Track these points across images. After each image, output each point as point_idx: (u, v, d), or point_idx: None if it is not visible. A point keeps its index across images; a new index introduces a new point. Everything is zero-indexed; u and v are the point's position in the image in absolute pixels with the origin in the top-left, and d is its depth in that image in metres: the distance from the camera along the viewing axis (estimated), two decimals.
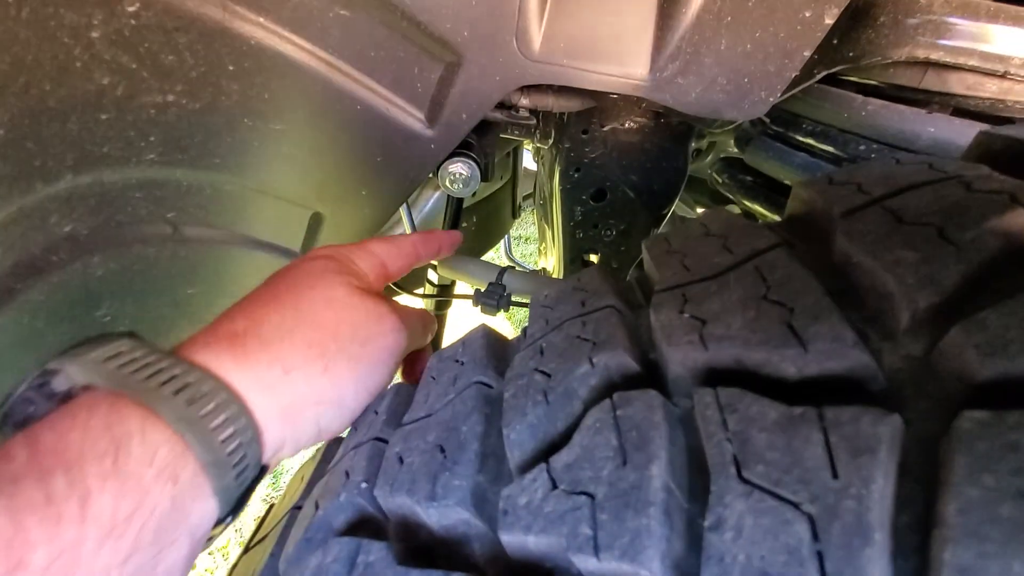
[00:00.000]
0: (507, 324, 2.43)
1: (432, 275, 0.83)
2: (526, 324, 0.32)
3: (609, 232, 0.71)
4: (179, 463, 0.22)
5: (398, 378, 0.39)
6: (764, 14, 0.38)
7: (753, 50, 0.40)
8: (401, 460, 0.25)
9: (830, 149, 0.52)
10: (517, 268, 0.56)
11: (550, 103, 0.51)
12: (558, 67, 0.42)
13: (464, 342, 0.33)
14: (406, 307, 0.38)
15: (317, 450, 0.38)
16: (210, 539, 0.26)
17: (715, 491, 0.16)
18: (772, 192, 0.63)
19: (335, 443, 0.36)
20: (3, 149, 0.34)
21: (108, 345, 0.24)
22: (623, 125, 0.61)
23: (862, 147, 0.49)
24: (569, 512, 0.18)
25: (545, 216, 0.88)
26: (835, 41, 0.44)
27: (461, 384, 0.28)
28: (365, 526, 0.26)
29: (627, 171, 0.65)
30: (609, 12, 0.39)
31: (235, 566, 0.34)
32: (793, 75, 0.41)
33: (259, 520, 0.38)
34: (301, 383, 0.28)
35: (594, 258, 0.75)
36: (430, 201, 0.83)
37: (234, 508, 0.26)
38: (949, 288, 0.18)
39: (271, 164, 0.47)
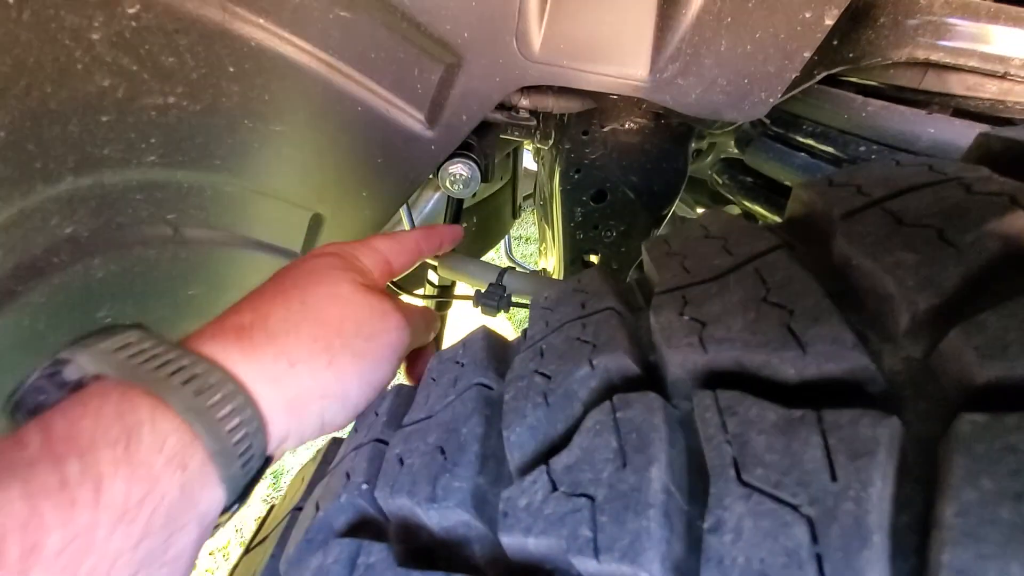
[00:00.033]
0: (507, 325, 2.43)
1: (432, 276, 0.83)
2: (526, 325, 0.32)
3: (609, 233, 0.71)
4: (188, 451, 0.23)
5: (401, 377, 0.39)
6: (764, 15, 0.38)
7: (753, 51, 0.40)
8: (401, 462, 0.25)
9: (830, 150, 0.52)
10: (517, 269, 0.56)
11: (550, 104, 0.51)
12: (558, 68, 0.42)
13: (464, 344, 0.33)
14: (409, 304, 0.39)
15: (318, 451, 0.38)
16: (217, 526, 0.27)
17: (714, 493, 0.16)
18: (772, 193, 0.63)
19: (336, 444, 0.36)
20: (4, 151, 0.34)
21: (117, 336, 0.25)
22: (623, 126, 0.61)
23: (862, 148, 0.49)
24: (569, 514, 0.18)
25: (545, 217, 0.88)
26: (835, 42, 0.44)
27: (461, 386, 0.28)
28: (366, 527, 0.26)
29: (627, 172, 0.65)
30: (609, 13, 0.39)
31: (236, 567, 0.34)
32: (793, 76, 0.41)
33: (260, 521, 0.38)
34: (306, 376, 0.29)
35: (594, 259, 0.75)
36: (430, 202, 0.83)
37: (240, 496, 0.26)
38: (949, 290, 0.18)
39: (271, 165, 0.47)
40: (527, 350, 0.28)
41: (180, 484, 0.22)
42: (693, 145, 0.66)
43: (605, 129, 0.61)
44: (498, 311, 0.52)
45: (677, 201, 0.69)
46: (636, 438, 0.19)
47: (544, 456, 0.22)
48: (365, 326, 0.32)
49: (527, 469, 0.22)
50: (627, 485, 0.18)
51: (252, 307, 0.30)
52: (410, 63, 0.42)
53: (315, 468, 0.35)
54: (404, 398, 0.32)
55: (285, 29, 0.38)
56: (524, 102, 0.50)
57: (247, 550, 0.35)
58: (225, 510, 0.26)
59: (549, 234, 0.88)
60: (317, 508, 0.27)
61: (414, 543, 0.24)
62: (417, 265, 0.45)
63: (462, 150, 0.51)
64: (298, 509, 0.31)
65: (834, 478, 0.15)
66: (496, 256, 2.12)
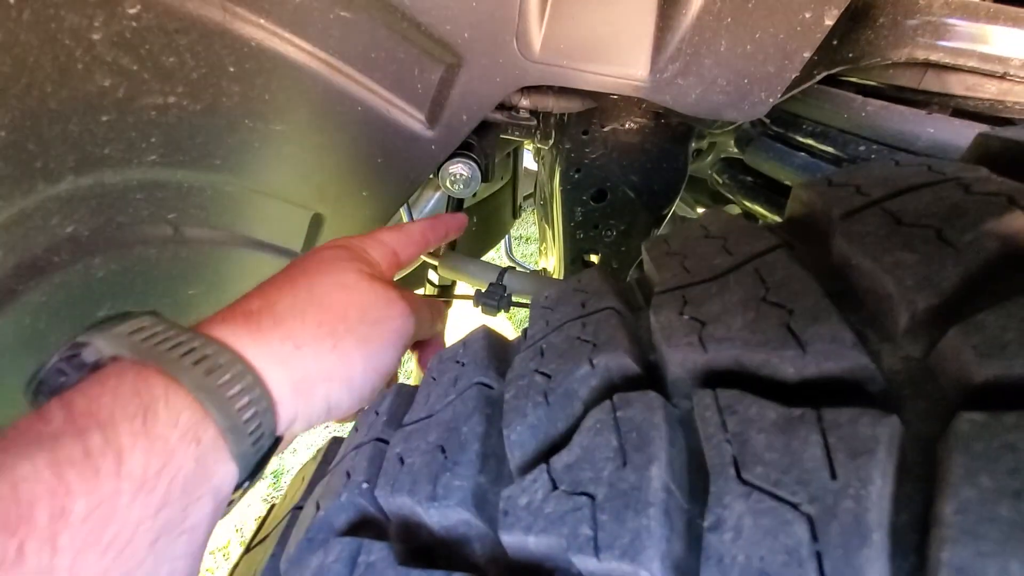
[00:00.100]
0: (508, 324, 2.43)
1: (433, 275, 0.83)
2: (527, 325, 0.32)
3: (609, 232, 0.71)
4: (200, 427, 0.24)
5: (404, 376, 0.39)
6: (764, 15, 0.38)
7: (753, 51, 0.40)
8: (402, 460, 0.25)
9: (830, 150, 0.52)
10: (517, 268, 0.56)
11: (550, 104, 0.51)
12: (558, 68, 0.42)
13: (465, 343, 0.33)
14: (416, 295, 0.39)
15: (318, 450, 0.38)
16: (231, 503, 0.28)
17: (714, 492, 0.17)
18: (772, 192, 0.63)
19: (336, 443, 0.36)
20: (5, 150, 0.34)
21: (132, 320, 0.26)
22: (623, 126, 0.61)
23: (862, 148, 0.49)
24: (569, 513, 0.18)
25: (545, 216, 0.88)
26: (835, 42, 0.44)
27: (462, 385, 0.28)
28: (366, 526, 0.26)
29: (627, 172, 0.65)
30: (609, 13, 0.39)
31: (236, 566, 0.34)
32: (793, 76, 0.42)
33: (260, 520, 0.38)
34: (311, 359, 0.30)
35: (594, 258, 0.76)
36: (430, 202, 0.83)
37: (252, 473, 0.27)
38: (948, 290, 0.18)
39: (272, 165, 0.47)
40: (527, 349, 0.28)
41: (195, 457, 0.24)
42: (693, 145, 0.66)
43: (605, 129, 0.61)
44: (498, 311, 0.52)
45: (677, 201, 0.69)
46: (636, 437, 0.19)
47: (544, 455, 0.22)
48: (370, 313, 0.33)
49: (527, 468, 0.22)
50: (627, 484, 0.18)
51: (261, 294, 0.32)
52: (410, 63, 0.42)
53: (315, 467, 0.35)
54: (404, 397, 0.32)
55: (285, 29, 0.38)
56: (524, 102, 0.51)
57: (247, 549, 0.35)
58: (238, 486, 0.27)
59: (549, 234, 0.88)
60: (318, 507, 0.27)
61: (415, 542, 0.24)
62: (418, 264, 0.45)
63: (462, 150, 0.51)
64: (298, 508, 0.31)
65: (834, 476, 0.15)
66: (496, 256, 2.12)
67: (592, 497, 0.18)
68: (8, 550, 0.18)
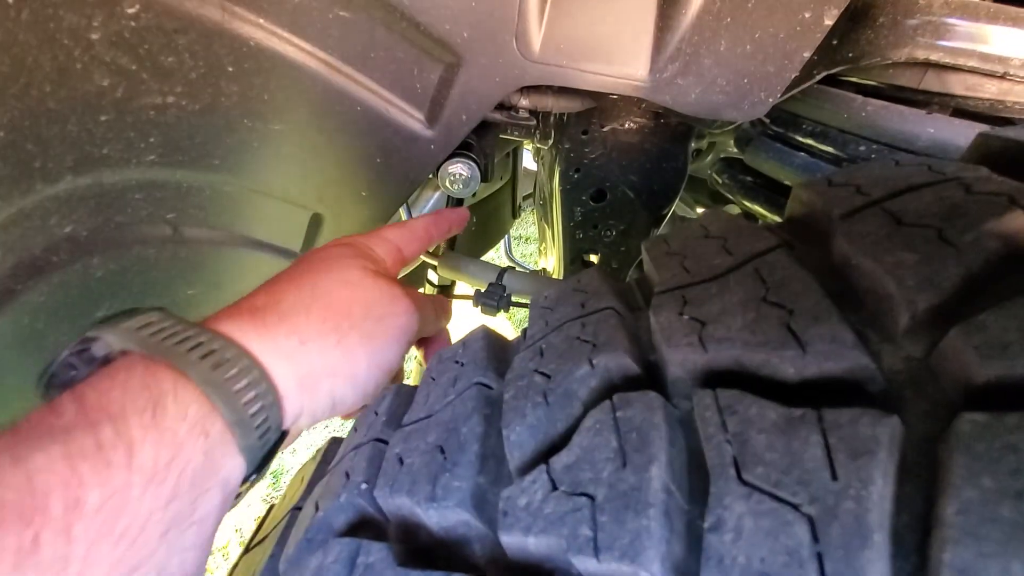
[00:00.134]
0: (507, 324, 2.43)
1: (432, 275, 0.83)
2: (526, 325, 0.32)
3: (609, 232, 0.71)
4: (208, 420, 0.25)
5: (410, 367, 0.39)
6: (764, 15, 0.38)
7: (753, 51, 0.40)
8: (401, 461, 0.25)
9: (830, 150, 0.52)
10: (517, 268, 0.56)
11: (550, 104, 0.51)
12: (558, 68, 0.42)
13: (464, 343, 0.33)
14: (420, 292, 0.40)
15: (317, 451, 0.38)
16: (238, 495, 0.28)
17: (715, 492, 0.16)
18: (772, 192, 0.63)
19: (335, 443, 0.36)
20: (3, 150, 0.34)
21: (140, 316, 0.27)
22: (623, 126, 0.61)
23: (862, 148, 0.49)
24: (569, 513, 0.18)
25: (545, 216, 0.88)
26: (835, 42, 0.44)
27: (461, 385, 0.28)
28: (365, 527, 0.26)
29: (627, 171, 0.65)
30: (609, 13, 0.39)
31: (235, 566, 0.34)
32: (793, 76, 0.41)
33: (259, 520, 0.38)
34: (316, 354, 0.30)
35: (594, 258, 0.76)
36: (430, 202, 0.83)
37: (259, 467, 0.28)
38: (948, 290, 0.18)
39: (271, 165, 0.47)
40: (527, 349, 0.28)
41: (203, 450, 0.24)
42: (693, 144, 0.66)
43: (605, 129, 0.61)
44: (498, 310, 0.52)
45: (677, 201, 0.69)
46: (636, 437, 0.19)
47: (544, 455, 0.22)
48: (374, 309, 0.34)
49: (527, 468, 0.22)
50: (627, 484, 0.18)
51: (267, 291, 0.32)
52: (410, 63, 0.42)
53: (315, 467, 0.35)
54: (404, 397, 0.32)
55: (284, 29, 0.38)
56: (524, 102, 0.50)
57: (247, 550, 0.35)
58: (245, 479, 0.27)
59: (549, 234, 0.88)
60: (317, 508, 0.27)
61: (414, 543, 0.24)
62: (417, 264, 0.45)
63: (462, 150, 0.51)
64: (297, 508, 0.31)
65: (835, 477, 0.15)
66: (496, 256, 2.12)
67: (592, 498, 0.18)
68: (24, 540, 0.19)
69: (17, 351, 0.43)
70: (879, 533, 0.14)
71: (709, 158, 0.92)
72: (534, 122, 0.54)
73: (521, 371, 0.26)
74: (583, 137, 0.62)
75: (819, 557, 0.14)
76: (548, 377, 0.24)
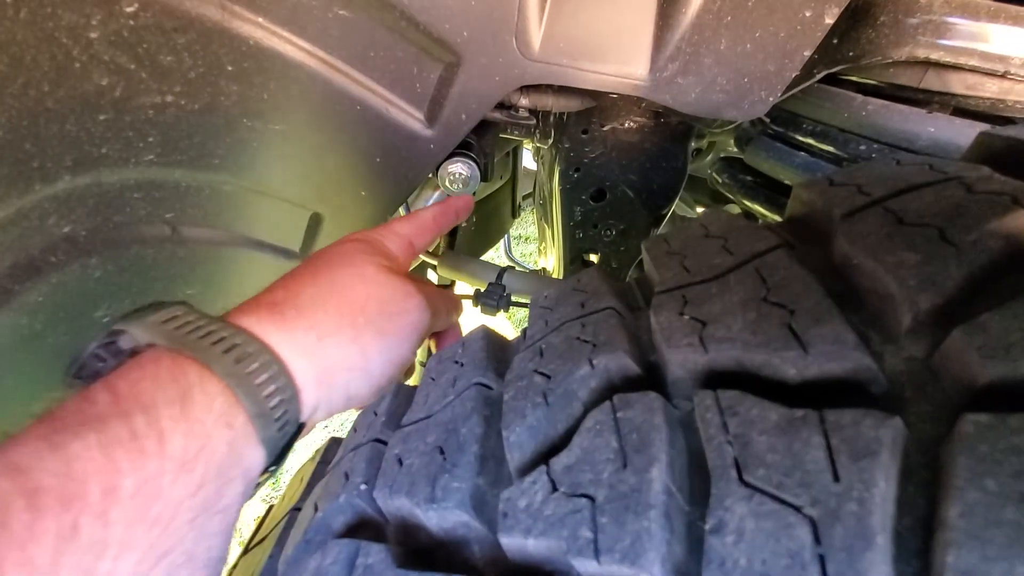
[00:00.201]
0: (507, 324, 2.42)
1: (432, 275, 0.83)
2: (526, 325, 0.32)
3: (609, 232, 0.71)
4: (232, 413, 0.25)
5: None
6: (764, 14, 0.38)
7: (753, 50, 0.40)
8: (400, 462, 0.25)
9: (830, 149, 0.52)
10: (517, 268, 0.56)
11: (550, 103, 0.51)
12: (557, 67, 0.41)
13: (464, 343, 0.32)
14: (432, 287, 0.41)
15: (316, 451, 0.38)
16: (258, 485, 0.29)
17: (716, 494, 0.16)
18: (772, 192, 0.62)
19: (334, 444, 0.36)
20: (1, 150, 0.34)
21: (164, 310, 0.28)
22: (623, 125, 0.61)
23: (862, 147, 0.49)
24: (569, 515, 0.18)
25: (545, 216, 0.88)
26: (835, 41, 0.44)
27: (461, 385, 0.28)
28: (364, 528, 0.26)
29: (627, 171, 0.64)
30: (609, 12, 0.39)
31: (235, 567, 0.34)
32: (793, 75, 0.41)
33: (258, 521, 0.38)
34: (333, 349, 0.31)
35: (594, 258, 0.75)
36: (430, 201, 0.83)
37: (278, 458, 0.29)
38: (950, 290, 0.18)
39: (270, 165, 0.47)
40: (527, 350, 0.28)
41: (227, 441, 0.25)
42: (693, 144, 0.66)
43: (605, 128, 0.61)
44: (498, 310, 0.52)
45: (677, 200, 0.69)
46: (637, 438, 0.19)
47: (544, 456, 0.22)
48: (388, 305, 0.34)
49: (527, 469, 0.22)
50: (628, 486, 0.18)
51: (284, 286, 0.33)
52: (409, 62, 0.41)
53: (314, 468, 0.35)
54: (403, 398, 0.32)
55: (284, 28, 0.38)
56: (523, 101, 0.50)
57: (246, 550, 0.35)
58: (264, 470, 0.28)
59: (549, 233, 0.88)
60: (316, 508, 0.27)
61: (413, 544, 0.24)
62: (417, 264, 0.45)
63: (461, 149, 0.51)
64: (296, 509, 0.31)
65: (836, 479, 0.15)
66: (496, 255, 2.12)
67: (592, 499, 0.18)
68: (64, 524, 0.19)
69: (15, 352, 0.43)
70: (881, 535, 0.14)
71: (709, 157, 0.91)
72: (534, 121, 0.54)
73: (521, 371, 0.26)
74: (583, 136, 0.62)
75: (821, 559, 0.14)
76: (548, 377, 0.24)
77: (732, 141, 0.70)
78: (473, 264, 0.59)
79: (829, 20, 0.38)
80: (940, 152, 0.45)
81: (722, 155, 0.86)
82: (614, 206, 0.68)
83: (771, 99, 0.43)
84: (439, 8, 0.37)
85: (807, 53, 0.40)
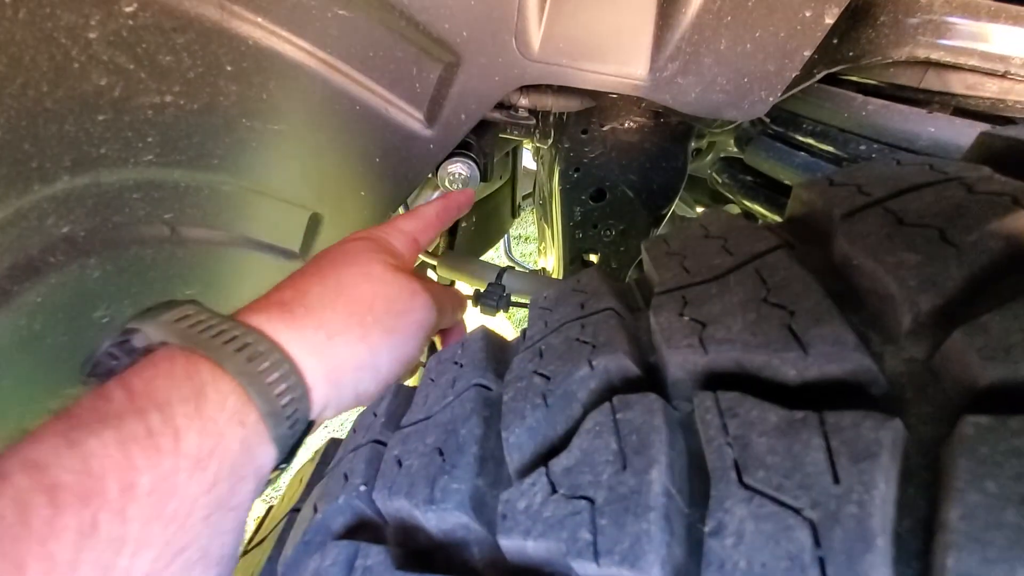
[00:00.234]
0: (507, 324, 2.42)
1: (432, 275, 0.83)
2: (525, 325, 0.32)
3: (609, 232, 0.71)
4: (244, 411, 0.26)
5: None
6: (764, 14, 0.38)
7: (753, 50, 0.40)
8: (400, 463, 0.25)
9: (830, 149, 0.52)
10: (517, 268, 0.56)
11: (549, 103, 0.51)
12: (557, 67, 0.41)
13: (463, 344, 0.32)
14: (438, 285, 0.41)
15: (316, 452, 0.37)
16: (269, 482, 0.29)
17: (716, 496, 0.16)
18: (772, 192, 0.62)
19: (334, 445, 0.36)
20: (0, 150, 0.34)
21: (177, 309, 0.28)
22: (622, 125, 0.61)
23: (862, 147, 0.49)
24: (568, 517, 0.18)
25: (545, 216, 0.88)
26: (835, 41, 0.44)
27: (460, 386, 0.28)
28: (363, 529, 0.26)
29: (626, 171, 0.64)
30: (608, 12, 0.39)
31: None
32: (793, 75, 0.41)
33: (258, 522, 0.38)
34: (342, 348, 0.31)
35: (594, 258, 0.75)
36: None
37: (288, 456, 0.29)
38: (951, 291, 0.17)
39: (269, 165, 0.47)
40: (526, 350, 0.28)
41: (240, 439, 0.25)
42: (693, 144, 0.66)
43: (604, 128, 0.61)
44: (497, 310, 0.52)
45: (676, 200, 0.69)
46: (636, 440, 0.19)
47: (543, 458, 0.22)
48: (395, 304, 0.35)
49: (526, 471, 0.22)
50: (627, 487, 0.18)
51: (292, 285, 0.33)
52: (409, 62, 0.41)
53: (313, 469, 0.35)
54: (403, 399, 0.32)
55: (283, 28, 0.38)
56: (523, 101, 0.50)
57: (245, 551, 0.35)
58: (274, 468, 0.28)
59: (548, 233, 0.88)
60: (315, 510, 0.27)
61: (412, 545, 0.24)
62: (417, 264, 0.45)
63: (461, 149, 0.51)
64: (296, 510, 0.31)
65: (836, 481, 0.15)
66: (495, 255, 2.11)
67: (591, 501, 0.18)
68: (84, 520, 0.20)
69: (14, 352, 0.43)
70: (881, 538, 0.14)
71: (709, 158, 0.91)
72: (533, 121, 0.54)
73: (520, 372, 0.26)
74: (583, 136, 0.61)
75: (821, 562, 0.14)
76: (547, 378, 0.24)
77: (732, 141, 0.69)
78: (473, 264, 0.59)
79: (829, 20, 0.38)
80: (940, 152, 0.44)
81: (722, 155, 0.86)
82: (614, 206, 0.68)
83: (771, 99, 0.43)
84: (439, 8, 0.37)
85: (807, 53, 0.40)
